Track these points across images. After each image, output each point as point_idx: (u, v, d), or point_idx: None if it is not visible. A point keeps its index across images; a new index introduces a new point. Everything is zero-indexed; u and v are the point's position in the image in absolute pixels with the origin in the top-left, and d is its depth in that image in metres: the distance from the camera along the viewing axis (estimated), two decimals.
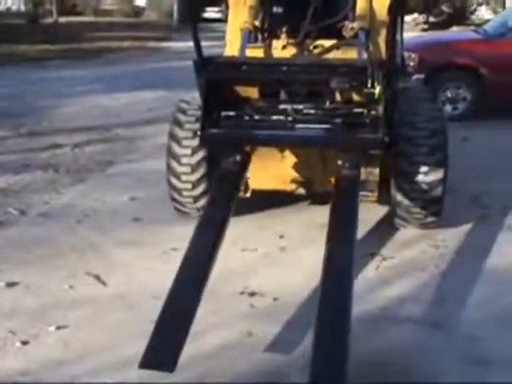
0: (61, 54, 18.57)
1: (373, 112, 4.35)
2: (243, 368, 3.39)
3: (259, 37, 5.17)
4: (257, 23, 5.06)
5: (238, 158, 4.47)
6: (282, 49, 4.97)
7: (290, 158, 4.97)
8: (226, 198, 4.18)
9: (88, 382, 3.16)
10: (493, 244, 4.93)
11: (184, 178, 4.99)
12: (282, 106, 4.57)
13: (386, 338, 3.68)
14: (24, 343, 3.63)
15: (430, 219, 4.95)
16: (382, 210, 5.27)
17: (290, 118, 4.49)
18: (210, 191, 4.29)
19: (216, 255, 3.63)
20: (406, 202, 4.81)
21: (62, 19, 27.44)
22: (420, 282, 4.34)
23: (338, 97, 4.47)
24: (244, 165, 4.50)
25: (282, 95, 4.75)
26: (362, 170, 4.85)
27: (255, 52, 4.98)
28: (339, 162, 4.35)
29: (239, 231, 5.06)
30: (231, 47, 5.08)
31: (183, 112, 5.09)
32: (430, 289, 4.26)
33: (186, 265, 3.53)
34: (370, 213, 5.36)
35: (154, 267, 4.57)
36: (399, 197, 4.82)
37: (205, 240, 3.77)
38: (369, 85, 4.20)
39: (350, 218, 3.92)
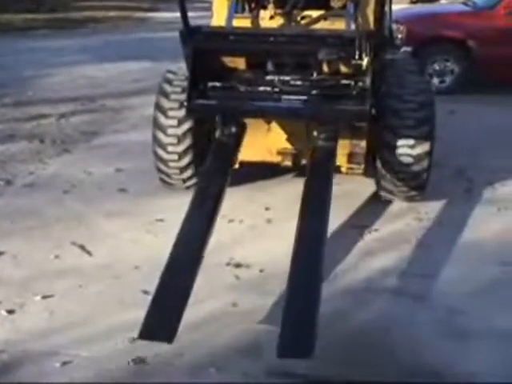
0: (46, 23, 18.33)
1: (360, 84, 4.35)
2: (225, 340, 3.41)
3: (246, 7, 5.13)
4: None
5: (234, 129, 4.47)
6: (269, 19, 4.94)
7: (276, 130, 4.97)
8: (221, 170, 4.19)
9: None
10: (476, 217, 4.96)
11: (170, 148, 4.97)
12: (268, 77, 4.56)
13: (370, 310, 3.71)
14: (10, 312, 3.65)
15: (415, 192, 4.96)
16: (368, 183, 5.27)
17: (276, 90, 4.48)
18: (206, 163, 4.27)
19: (213, 227, 3.67)
20: (391, 174, 4.82)
21: None
22: (403, 255, 4.36)
23: (325, 68, 4.46)
24: (239, 137, 4.50)
25: (269, 66, 4.74)
26: (349, 142, 4.88)
27: (242, 22, 4.93)
28: (314, 134, 4.36)
29: (226, 203, 5.01)
30: (218, 17, 5.04)
31: (169, 82, 5.05)
32: (412, 261, 4.29)
33: (183, 236, 3.55)
34: (356, 185, 5.39)
35: (139, 238, 4.58)
36: (385, 169, 4.82)
37: (201, 212, 3.79)
38: (356, 56, 4.20)
39: (324, 190, 3.96)
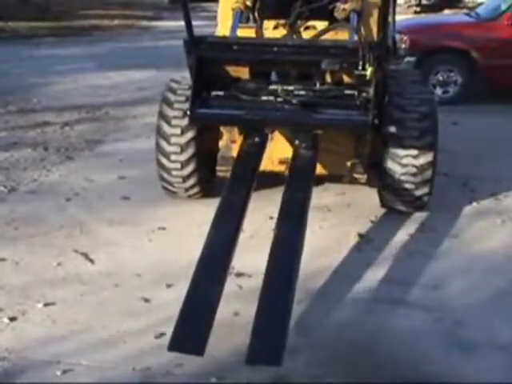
0: (51, 31, 18.38)
1: (363, 94, 4.35)
2: (227, 349, 3.40)
3: (250, 17, 5.14)
4: (248, 3, 5.03)
5: (257, 140, 4.48)
6: (273, 29, 4.95)
7: (278, 139, 4.97)
8: (245, 181, 4.21)
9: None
10: (480, 229, 4.95)
11: (173, 157, 4.98)
12: (272, 87, 4.56)
13: (373, 321, 3.70)
14: (11, 319, 3.65)
15: (419, 203, 4.96)
16: (370, 192, 5.26)
17: (279, 99, 4.48)
18: (231, 174, 4.29)
19: (238, 237, 3.68)
20: (394, 184, 4.82)
21: None
22: (406, 265, 4.35)
23: (328, 78, 4.47)
24: (262, 147, 4.52)
25: (273, 76, 4.75)
26: (352, 151, 4.88)
27: (246, 32, 4.94)
28: (296, 142, 4.37)
29: None
30: (222, 27, 5.05)
31: (173, 91, 5.06)
32: (416, 272, 4.27)
33: (209, 248, 3.55)
34: (359, 195, 5.38)
35: (141, 246, 4.59)
36: (388, 179, 4.82)
37: (227, 223, 3.81)
38: (360, 66, 4.21)
39: (303, 199, 3.98)
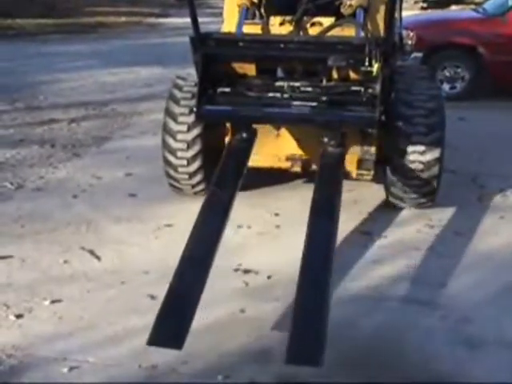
0: (58, 28, 18.39)
1: (370, 90, 4.34)
2: (233, 346, 3.39)
3: (256, 13, 5.13)
4: None
5: (245, 135, 4.47)
6: (279, 26, 4.93)
7: (285, 136, 4.97)
8: (232, 177, 4.20)
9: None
10: (488, 225, 4.92)
11: (179, 154, 4.97)
12: (278, 84, 4.56)
13: (380, 318, 3.69)
14: (18, 317, 3.65)
15: (426, 199, 4.94)
16: (377, 189, 5.25)
17: (286, 96, 4.47)
18: (218, 168, 4.28)
19: (222, 233, 3.66)
20: (401, 180, 4.80)
21: None
22: (413, 262, 4.33)
23: (334, 74, 4.46)
24: (251, 142, 4.50)
25: (279, 72, 4.74)
26: (359, 148, 4.87)
27: (252, 29, 4.94)
28: (325, 140, 4.35)
29: (234, 208, 5.03)
30: (228, 23, 5.04)
31: (179, 88, 5.06)
32: (423, 269, 4.26)
33: (193, 243, 3.56)
34: (365, 191, 5.37)
35: (147, 243, 4.58)
36: (395, 176, 4.81)
37: (211, 218, 3.80)
38: (366, 63, 4.19)
39: (334, 196, 3.96)
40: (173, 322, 3.11)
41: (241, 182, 4.19)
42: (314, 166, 5.05)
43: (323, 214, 3.86)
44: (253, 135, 4.58)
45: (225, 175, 4.26)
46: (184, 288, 3.32)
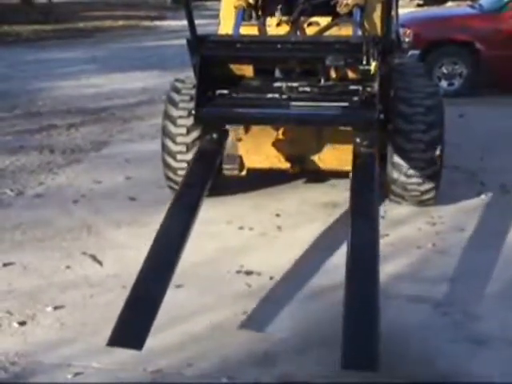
0: (55, 34, 18.43)
1: (368, 89, 4.33)
2: (237, 348, 3.38)
3: (253, 14, 5.12)
4: (251, 1, 5.02)
5: (215, 136, 4.45)
6: (276, 26, 4.93)
7: (284, 136, 4.96)
8: (201, 179, 4.16)
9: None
10: (490, 221, 4.91)
11: (179, 157, 4.97)
12: (276, 84, 4.55)
13: (383, 317, 3.65)
14: (21, 324, 3.64)
15: (427, 196, 4.93)
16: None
17: (284, 96, 4.47)
18: (187, 170, 4.26)
19: (188, 236, 3.62)
20: (402, 178, 4.80)
21: None
22: (416, 259, 4.33)
23: (332, 74, 4.45)
24: (221, 143, 4.48)
25: (277, 73, 4.74)
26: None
27: (249, 30, 4.93)
28: (357, 141, 4.31)
29: (235, 210, 5.06)
30: (225, 25, 5.03)
31: (178, 91, 5.06)
32: (426, 266, 4.25)
33: (157, 246, 3.53)
34: None
35: (148, 247, 4.52)
36: (395, 174, 4.80)
37: (177, 222, 3.76)
38: (364, 62, 4.19)
39: (371, 196, 3.92)
40: (134, 322, 3.11)
41: (210, 183, 4.14)
42: (314, 167, 5.05)
43: (364, 216, 3.78)
44: (223, 136, 4.56)
45: (193, 176, 4.23)
46: (146, 288, 3.30)
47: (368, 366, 2.82)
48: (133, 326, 3.09)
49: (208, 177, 4.18)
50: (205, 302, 3.74)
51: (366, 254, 3.43)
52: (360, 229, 3.60)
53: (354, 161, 4.28)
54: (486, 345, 3.40)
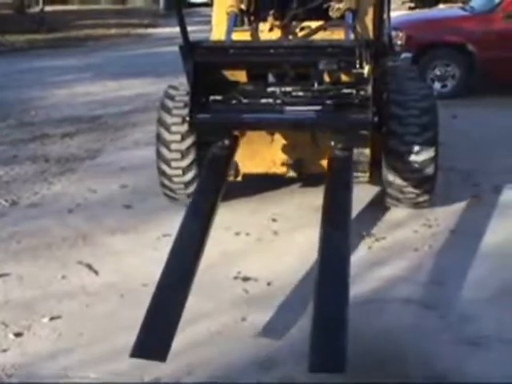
0: (48, 43, 18.44)
1: (362, 92, 4.32)
2: (235, 355, 3.37)
3: (245, 20, 5.12)
4: (243, 6, 5.02)
5: (227, 142, 4.45)
6: (268, 31, 4.92)
7: (279, 141, 4.95)
8: (214, 185, 4.16)
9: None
10: (485, 222, 4.90)
11: (174, 164, 4.95)
12: (270, 89, 4.55)
13: (380, 320, 3.67)
14: (17, 335, 3.61)
15: (422, 198, 4.92)
16: (373, 190, 5.24)
17: (278, 101, 4.46)
18: (199, 178, 4.25)
19: (205, 244, 3.62)
20: (397, 181, 4.79)
21: (49, 8, 27.20)
22: (413, 263, 4.31)
23: (326, 78, 4.45)
24: (232, 149, 4.48)
25: (270, 78, 4.73)
26: (354, 151, 4.84)
27: (242, 35, 4.92)
28: (332, 144, 4.33)
29: (232, 215, 5.04)
30: (217, 31, 5.03)
31: (171, 98, 5.04)
32: (422, 269, 4.24)
33: (175, 254, 3.52)
34: (361, 193, 5.33)
35: (145, 254, 4.55)
36: (391, 177, 4.79)
37: (193, 229, 3.76)
38: (357, 65, 4.18)
39: (345, 200, 3.91)
40: (156, 334, 3.09)
41: (223, 191, 4.15)
42: (309, 171, 5.03)
43: (335, 218, 3.80)
44: (234, 142, 4.55)
45: (206, 184, 4.23)
46: (167, 299, 3.28)
47: (335, 368, 2.84)
48: (156, 337, 3.06)
49: (221, 183, 4.19)
50: (203, 309, 3.72)
51: (336, 259, 3.45)
52: (331, 237, 3.61)
53: (330, 164, 4.30)
54: (483, 346, 3.40)
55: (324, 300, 3.18)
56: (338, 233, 3.66)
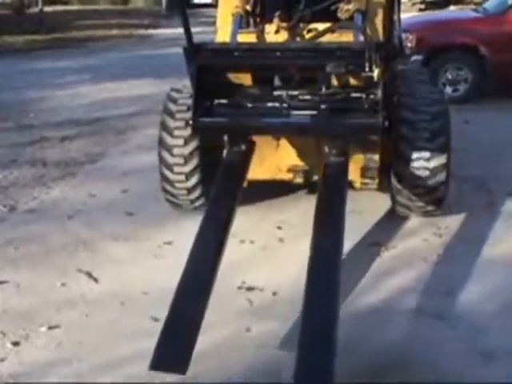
0: (48, 44, 18.40)
1: (371, 96, 4.20)
2: (240, 366, 3.31)
3: (251, 21, 5.01)
4: (248, 7, 4.92)
5: (243, 147, 4.34)
6: (274, 33, 4.83)
7: (285, 146, 4.85)
8: (230, 192, 4.07)
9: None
10: (497, 231, 4.79)
11: (176, 169, 4.84)
12: (276, 93, 4.43)
13: (390, 330, 3.59)
14: (15, 344, 3.54)
15: (433, 207, 4.80)
16: (383, 198, 5.12)
17: (285, 105, 4.34)
18: (215, 184, 4.14)
19: (222, 252, 3.54)
20: (407, 189, 4.66)
21: (48, 8, 27.15)
22: (423, 272, 4.22)
23: (334, 81, 4.33)
24: (249, 155, 4.37)
25: (276, 81, 4.62)
26: (362, 156, 4.74)
27: (247, 37, 4.83)
28: (326, 149, 4.23)
29: (236, 223, 4.87)
30: (222, 33, 4.93)
31: (174, 101, 4.93)
32: (433, 279, 4.14)
33: (193, 263, 3.44)
34: (371, 201, 5.24)
35: (147, 262, 4.46)
36: (400, 184, 4.67)
37: (211, 237, 3.68)
38: (366, 68, 4.06)
39: (338, 207, 3.83)
40: (175, 345, 3.01)
41: (240, 197, 4.07)
42: (316, 177, 4.92)
43: (328, 226, 3.73)
44: (251, 147, 4.44)
45: (222, 190, 4.12)
46: (185, 310, 3.21)
47: (320, 382, 2.78)
48: (175, 349, 2.99)
49: (237, 190, 4.10)
50: (207, 319, 3.58)
51: (327, 268, 3.40)
52: (324, 244, 3.54)
53: (324, 170, 4.20)
54: (494, 358, 3.32)
55: (311, 314, 3.11)
56: (330, 241, 3.57)
